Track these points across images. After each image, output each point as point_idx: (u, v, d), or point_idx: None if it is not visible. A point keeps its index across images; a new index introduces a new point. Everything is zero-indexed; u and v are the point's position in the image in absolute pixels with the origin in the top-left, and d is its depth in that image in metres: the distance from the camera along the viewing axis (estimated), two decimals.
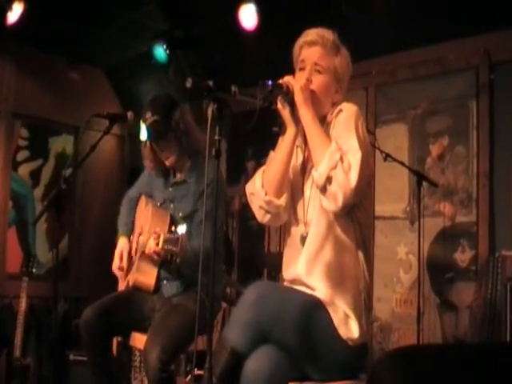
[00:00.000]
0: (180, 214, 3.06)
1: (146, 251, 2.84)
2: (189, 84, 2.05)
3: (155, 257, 2.83)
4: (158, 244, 2.73)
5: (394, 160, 3.87)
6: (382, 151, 3.81)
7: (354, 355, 2.20)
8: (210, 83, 2.05)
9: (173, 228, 2.83)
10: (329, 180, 2.10)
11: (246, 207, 4.90)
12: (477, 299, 3.66)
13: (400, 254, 4.35)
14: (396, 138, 4.46)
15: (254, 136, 3.84)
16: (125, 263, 3.17)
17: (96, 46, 5.50)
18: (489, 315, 3.52)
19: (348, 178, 2.08)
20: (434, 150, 4.29)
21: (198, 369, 3.71)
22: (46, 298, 4.87)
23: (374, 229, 4.40)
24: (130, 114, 3.11)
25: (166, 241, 2.70)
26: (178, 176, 3.18)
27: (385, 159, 3.81)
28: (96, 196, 6.03)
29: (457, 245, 4.08)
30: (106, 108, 4.83)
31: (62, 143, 5.91)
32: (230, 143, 5.47)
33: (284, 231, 4.84)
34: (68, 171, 5.42)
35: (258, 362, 2.04)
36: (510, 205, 3.87)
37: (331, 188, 2.10)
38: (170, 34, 5.27)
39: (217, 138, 2.06)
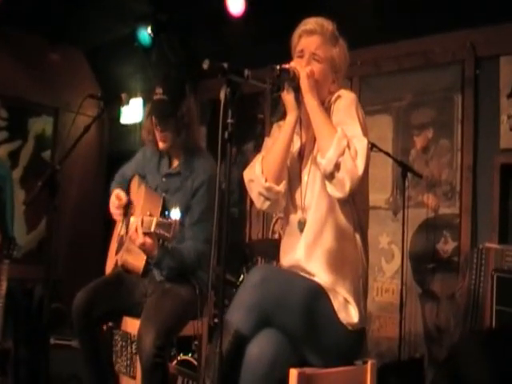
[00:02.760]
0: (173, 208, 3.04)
1: (131, 234, 2.80)
2: (205, 65, 2.02)
3: (143, 239, 2.78)
4: (149, 226, 2.70)
5: (381, 150, 3.88)
6: (368, 141, 3.81)
7: (352, 340, 2.24)
8: (225, 65, 2.03)
9: (166, 212, 2.81)
10: (337, 166, 2.10)
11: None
12: (460, 289, 3.71)
13: (382, 244, 4.39)
14: (380, 128, 4.48)
15: (236, 122, 3.80)
16: (124, 200, 3.15)
17: (77, 27, 5.39)
18: (472, 305, 3.57)
19: (355, 164, 2.10)
20: (419, 141, 4.33)
21: (184, 354, 3.75)
22: (23, 281, 4.80)
23: None
24: (124, 95, 3.11)
25: (158, 224, 2.66)
26: (173, 165, 3.17)
27: (371, 149, 3.80)
28: (74, 178, 5.92)
29: (439, 236, 4.13)
30: (86, 90, 4.75)
31: (41, 124, 5.81)
32: (210, 129, 5.43)
33: (266, 218, 4.92)
34: (47, 153, 5.34)
35: (260, 347, 2.05)
36: (492, 198, 3.92)
37: (339, 175, 2.11)
38: (153, 18, 5.20)
39: (229, 121, 2.03)
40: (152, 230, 2.67)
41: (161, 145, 3.10)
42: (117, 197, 3.16)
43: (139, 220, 2.76)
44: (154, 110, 3.05)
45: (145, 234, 2.75)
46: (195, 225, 2.98)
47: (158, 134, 3.08)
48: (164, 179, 3.14)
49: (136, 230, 2.76)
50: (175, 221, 2.66)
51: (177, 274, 2.95)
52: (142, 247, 2.82)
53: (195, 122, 3.13)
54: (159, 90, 3.01)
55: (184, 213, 2.98)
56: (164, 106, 2.99)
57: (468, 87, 4.11)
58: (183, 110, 3.02)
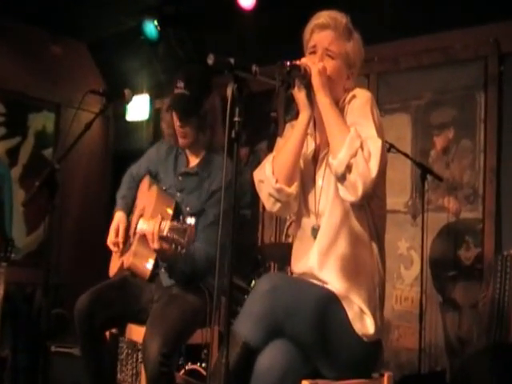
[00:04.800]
0: (188, 209, 2.91)
1: (148, 235, 2.63)
2: (210, 61, 1.91)
3: (159, 244, 2.62)
4: (162, 230, 2.56)
5: (399, 152, 3.77)
6: (386, 142, 3.67)
7: (368, 352, 2.15)
8: (232, 61, 1.93)
9: (181, 217, 2.68)
10: (348, 168, 2.00)
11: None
12: (483, 298, 3.59)
13: (401, 249, 4.23)
14: (398, 128, 4.32)
15: (248, 121, 3.68)
16: (121, 238, 3.01)
17: (80, 18, 5.27)
18: (496, 315, 3.45)
19: (368, 166, 1.99)
20: (439, 142, 4.17)
21: (192, 363, 3.62)
22: (23, 285, 4.69)
23: None
24: (127, 91, 2.96)
25: (172, 229, 2.52)
26: (191, 164, 3.03)
27: (388, 150, 3.68)
28: (77, 178, 5.81)
29: (461, 242, 3.97)
30: (90, 85, 4.62)
31: (41, 120, 5.67)
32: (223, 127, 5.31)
33: (279, 221, 4.78)
34: (49, 151, 5.21)
35: (270, 358, 1.99)
36: None
37: (351, 177, 2.01)
38: (160, 10, 5.09)
39: (237, 119, 1.92)
40: (165, 233, 2.54)
41: (180, 141, 2.98)
42: (115, 231, 3.03)
43: (157, 224, 2.61)
44: (175, 104, 2.91)
45: (159, 238, 2.61)
46: (209, 228, 2.86)
47: (177, 129, 2.96)
48: (180, 178, 3.01)
49: (153, 233, 2.61)
50: (190, 226, 2.52)
51: (188, 279, 2.84)
52: (157, 252, 2.70)
53: (219, 121, 2.97)
54: (180, 84, 2.87)
55: (197, 215, 2.85)
56: (185, 101, 2.86)
57: (491, 85, 3.95)
58: (206, 108, 2.89)
